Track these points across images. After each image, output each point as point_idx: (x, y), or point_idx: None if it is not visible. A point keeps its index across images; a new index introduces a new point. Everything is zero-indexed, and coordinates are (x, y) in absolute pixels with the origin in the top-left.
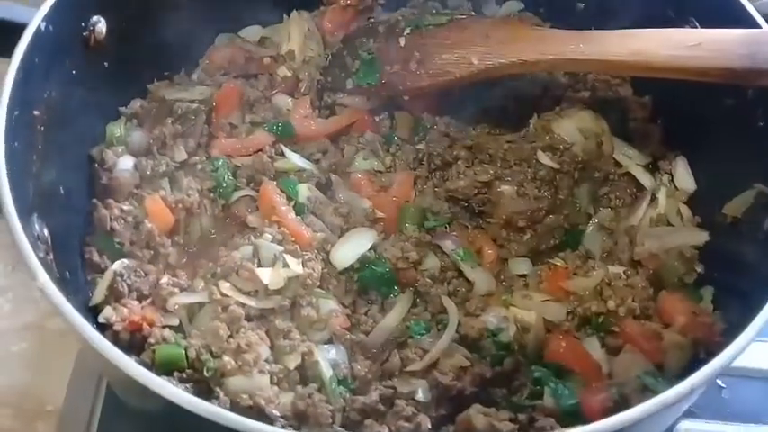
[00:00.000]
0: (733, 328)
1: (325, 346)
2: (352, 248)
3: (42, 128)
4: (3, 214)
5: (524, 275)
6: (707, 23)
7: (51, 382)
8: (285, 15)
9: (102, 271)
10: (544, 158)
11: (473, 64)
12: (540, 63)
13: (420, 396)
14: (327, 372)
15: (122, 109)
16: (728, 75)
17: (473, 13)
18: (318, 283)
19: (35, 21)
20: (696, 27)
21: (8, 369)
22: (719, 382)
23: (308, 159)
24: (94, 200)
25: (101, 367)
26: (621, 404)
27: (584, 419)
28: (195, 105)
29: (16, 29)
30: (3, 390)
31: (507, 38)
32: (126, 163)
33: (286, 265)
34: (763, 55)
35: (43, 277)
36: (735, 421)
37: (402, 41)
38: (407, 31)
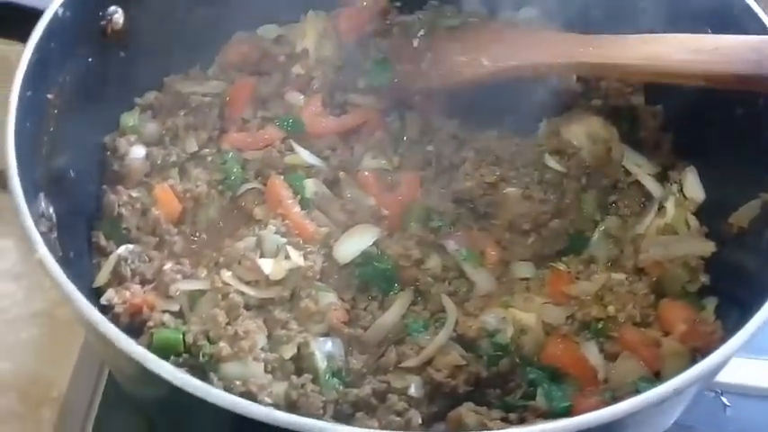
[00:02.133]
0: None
1: (322, 338)
2: (354, 243)
3: (56, 111)
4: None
5: (527, 279)
6: (720, 31)
7: (58, 370)
8: (302, 15)
9: (108, 255)
10: (551, 162)
11: (484, 65)
12: (552, 66)
13: (413, 391)
14: (322, 363)
15: (137, 100)
16: (740, 81)
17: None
18: (319, 276)
19: (53, 6)
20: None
21: (17, 355)
22: (725, 400)
23: (317, 156)
24: (104, 186)
25: (100, 351)
26: None
27: None
28: (209, 99)
29: (34, 15)
30: (11, 374)
31: (520, 40)
32: (138, 152)
33: (288, 257)
34: None
35: (42, 249)
36: None
37: (415, 42)
38: (422, 32)
